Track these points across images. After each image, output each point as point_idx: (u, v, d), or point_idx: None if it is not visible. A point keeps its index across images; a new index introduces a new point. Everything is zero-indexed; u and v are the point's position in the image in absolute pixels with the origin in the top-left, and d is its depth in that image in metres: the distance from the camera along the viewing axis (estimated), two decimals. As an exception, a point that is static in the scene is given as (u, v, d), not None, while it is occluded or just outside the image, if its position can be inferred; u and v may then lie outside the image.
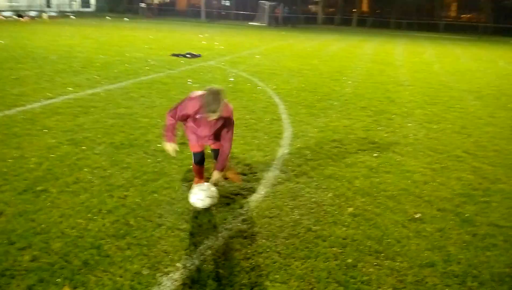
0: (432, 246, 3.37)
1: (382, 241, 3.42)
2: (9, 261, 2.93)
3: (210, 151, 4.13)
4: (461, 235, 3.56)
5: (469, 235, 3.57)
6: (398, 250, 3.30)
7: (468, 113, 7.92)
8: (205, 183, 3.80)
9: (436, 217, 3.85)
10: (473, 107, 8.52)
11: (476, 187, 4.55)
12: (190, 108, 3.58)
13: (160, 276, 2.87)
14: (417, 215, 3.86)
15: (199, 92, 3.56)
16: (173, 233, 3.37)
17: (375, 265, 3.11)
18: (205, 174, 4.19)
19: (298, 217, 3.74)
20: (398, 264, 3.13)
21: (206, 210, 3.71)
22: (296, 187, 4.34)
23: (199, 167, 4.07)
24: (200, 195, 3.63)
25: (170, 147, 3.75)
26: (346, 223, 3.67)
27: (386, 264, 3.13)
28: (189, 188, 4.15)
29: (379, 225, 3.66)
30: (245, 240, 3.35)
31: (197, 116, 3.59)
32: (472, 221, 3.80)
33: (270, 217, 3.71)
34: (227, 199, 3.98)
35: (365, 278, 2.96)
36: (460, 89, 10.41)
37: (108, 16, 40.15)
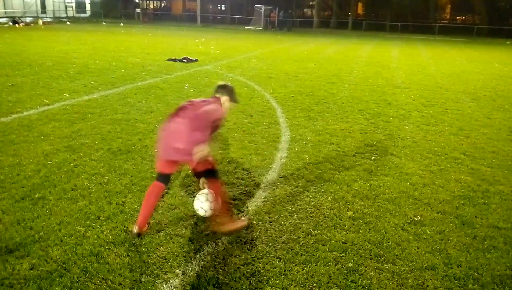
0: (432, 249, 3.37)
1: (382, 244, 3.41)
2: (8, 270, 2.90)
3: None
4: (461, 238, 3.56)
5: (469, 238, 3.57)
6: (399, 253, 3.30)
7: (465, 115, 7.95)
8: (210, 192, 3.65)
9: (435, 220, 3.85)
10: (470, 108, 8.55)
11: (475, 189, 4.55)
12: (219, 113, 3.42)
13: (159, 283, 2.85)
14: (417, 218, 3.85)
15: (201, 99, 3.52)
16: (172, 240, 3.35)
17: (376, 269, 3.10)
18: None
19: (297, 221, 3.73)
20: (398, 267, 3.12)
21: (205, 216, 3.68)
22: (295, 191, 4.33)
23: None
24: (205, 206, 3.52)
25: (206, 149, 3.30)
26: (345, 227, 3.66)
27: (387, 267, 3.12)
28: (188, 193, 4.14)
29: (379, 229, 3.65)
30: (245, 245, 3.33)
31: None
32: (471, 223, 3.80)
33: (269, 222, 3.69)
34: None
35: (366, 282, 2.95)
36: (456, 91, 10.45)
37: (104, 22, 40.13)
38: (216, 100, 3.51)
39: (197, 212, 3.60)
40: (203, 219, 3.65)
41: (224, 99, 3.56)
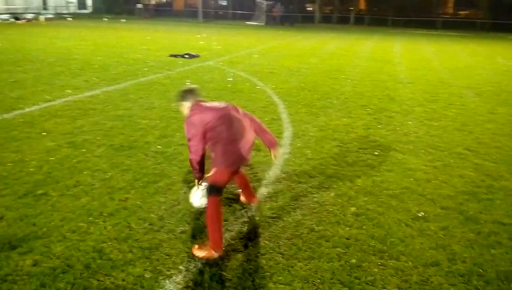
0: (436, 245, 3.35)
1: (386, 240, 3.39)
2: (11, 266, 2.90)
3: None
4: (465, 233, 3.54)
5: (473, 233, 3.55)
6: (402, 249, 3.28)
7: (468, 110, 7.90)
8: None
9: (439, 216, 3.83)
10: (473, 103, 8.51)
11: (479, 185, 4.53)
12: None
13: (162, 279, 2.85)
14: (420, 214, 3.84)
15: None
16: (175, 236, 3.35)
17: (379, 265, 3.08)
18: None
19: (300, 217, 3.71)
20: (402, 263, 3.11)
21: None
22: (297, 187, 4.32)
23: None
24: (198, 194, 3.48)
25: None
26: (349, 223, 3.65)
27: (391, 263, 3.10)
28: (191, 189, 4.12)
29: (383, 225, 3.63)
30: (248, 241, 3.32)
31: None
32: (476, 219, 3.78)
33: (272, 218, 3.68)
34: (229, 200, 3.95)
35: (369, 278, 2.94)
36: (460, 86, 10.40)
37: (105, 18, 40.08)
38: None
39: (194, 205, 3.50)
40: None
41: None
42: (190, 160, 3.27)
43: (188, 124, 3.19)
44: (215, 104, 3.39)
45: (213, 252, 3.11)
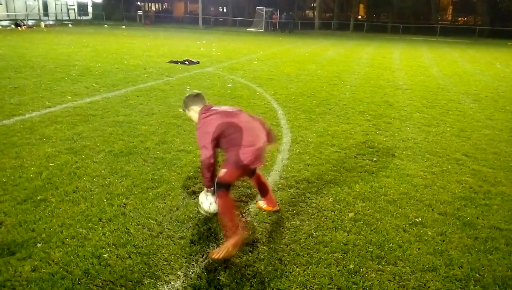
0: (434, 250, 3.37)
1: (384, 246, 3.41)
2: (10, 271, 2.91)
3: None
4: (463, 239, 3.56)
5: (470, 239, 3.56)
6: (400, 255, 3.29)
7: (466, 116, 7.94)
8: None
9: (437, 221, 3.84)
10: (472, 110, 8.54)
11: (476, 190, 4.55)
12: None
13: (161, 284, 2.86)
14: (418, 219, 3.85)
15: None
16: (173, 241, 3.36)
17: (377, 270, 3.10)
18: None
19: (298, 223, 3.73)
20: (400, 269, 3.12)
21: (207, 217, 3.69)
22: (296, 192, 4.33)
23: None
24: (210, 199, 3.50)
25: None
26: (347, 229, 3.66)
27: (388, 269, 3.12)
28: (190, 195, 4.15)
29: (380, 230, 3.65)
30: (246, 247, 3.33)
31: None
32: (473, 225, 3.79)
33: (271, 223, 3.70)
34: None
35: (367, 283, 2.95)
36: (458, 92, 10.44)
37: (106, 24, 40.25)
38: None
39: (208, 210, 3.54)
40: (205, 221, 3.66)
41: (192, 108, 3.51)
42: (202, 168, 3.28)
43: (201, 132, 3.21)
44: (226, 107, 3.42)
45: (237, 238, 3.10)
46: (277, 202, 3.98)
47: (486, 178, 4.91)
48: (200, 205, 3.58)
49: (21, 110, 7.11)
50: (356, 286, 2.92)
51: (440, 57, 19.46)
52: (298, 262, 3.16)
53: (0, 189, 4.11)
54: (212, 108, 3.35)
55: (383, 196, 4.31)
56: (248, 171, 3.40)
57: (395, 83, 11.54)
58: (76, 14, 51.46)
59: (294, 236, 3.50)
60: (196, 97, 3.44)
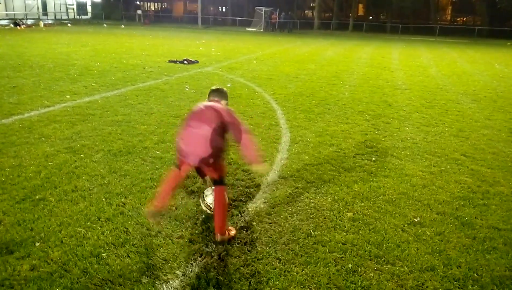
0: (432, 250, 3.37)
1: (382, 245, 3.41)
2: (8, 270, 2.91)
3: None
4: (461, 239, 3.56)
5: (469, 239, 3.57)
6: (398, 254, 3.30)
7: (465, 116, 7.95)
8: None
9: (435, 221, 3.85)
10: (470, 110, 8.55)
11: (475, 190, 4.56)
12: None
13: (159, 284, 2.86)
14: (417, 219, 3.86)
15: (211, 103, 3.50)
16: (172, 241, 3.36)
17: (376, 270, 3.10)
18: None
19: (297, 222, 3.73)
20: (398, 268, 3.13)
21: (205, 216, 3.70)
22: (295, 192, 4.34)
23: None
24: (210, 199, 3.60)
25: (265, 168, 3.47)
26: (345, 228, 3.67)
27: (387, 268, 3.12)
28: (188, 194, 4.15)
29: (379, 230, 3.65)
30: (245, 246, 3.34)
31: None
32: (471, 224, 3.80)
33: (269, 223, 3.70)
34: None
35: (365, 283, 2.95)
36: (457, 92, 10.46)
37: (105, 24, 40.21)
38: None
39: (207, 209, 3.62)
40: (204, 220, 3.67)
41: (224, 103, 3.57)
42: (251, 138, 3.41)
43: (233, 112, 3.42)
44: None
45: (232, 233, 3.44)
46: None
47: (485, 178, 4.92)
48: (204, 198, 3.65)
49: (20, 109, 7.11)
50: (354, 285, 2.92)
51: (439, 57, 19.48)
52: (297, 261, 3.16)
53: (-2, 188, 4.11)
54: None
55: (381, 196, 4.32)
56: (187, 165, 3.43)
57: (394, 83, 11.56)
58: (75, 14, 51.41)
59: (293, 236, 3.51)
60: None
